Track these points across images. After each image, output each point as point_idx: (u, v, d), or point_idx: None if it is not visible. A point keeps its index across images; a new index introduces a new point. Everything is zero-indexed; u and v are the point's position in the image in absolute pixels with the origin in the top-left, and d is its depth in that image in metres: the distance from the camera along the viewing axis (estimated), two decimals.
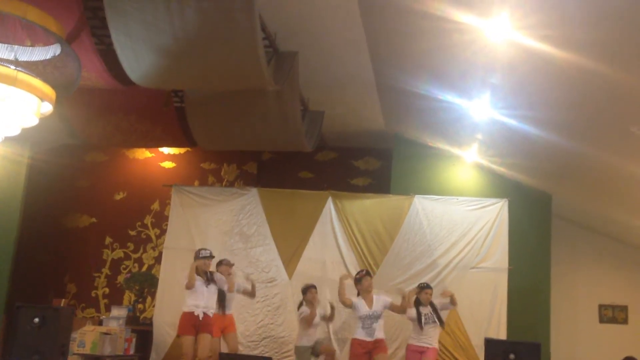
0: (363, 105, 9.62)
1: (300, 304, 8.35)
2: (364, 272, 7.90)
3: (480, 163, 10.21)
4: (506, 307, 9.07)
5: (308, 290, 8.28)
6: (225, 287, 8.15)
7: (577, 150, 8.05)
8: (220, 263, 8.50)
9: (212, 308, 7.89)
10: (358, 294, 7.77)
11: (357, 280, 7.76)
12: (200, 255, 7.90)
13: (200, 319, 7.68)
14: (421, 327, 7.83)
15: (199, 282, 7.78)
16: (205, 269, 7.90)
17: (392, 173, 10.59)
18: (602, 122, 7.05)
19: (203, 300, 7.75)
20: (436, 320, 7.91)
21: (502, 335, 8.85)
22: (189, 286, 7.71)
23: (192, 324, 7.69)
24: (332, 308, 8.29)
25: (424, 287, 8.11)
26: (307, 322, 8.09)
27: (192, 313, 7.70)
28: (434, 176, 10.41)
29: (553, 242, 10.05)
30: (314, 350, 8.16)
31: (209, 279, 7.88)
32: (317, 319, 8.18)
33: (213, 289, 7.90)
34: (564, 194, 10.21)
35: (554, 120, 7.48)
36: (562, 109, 7.08)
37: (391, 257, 9.46)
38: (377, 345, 7.46)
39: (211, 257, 8.01)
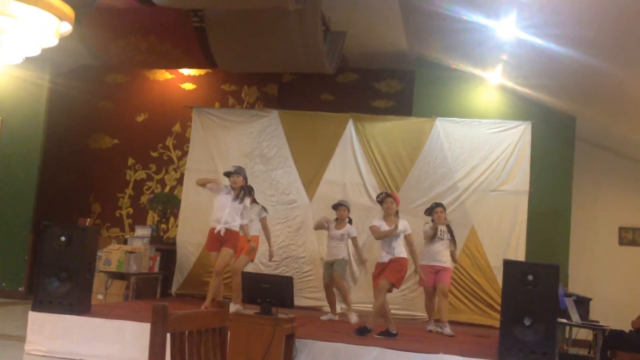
0: (386, 25, 9.41)
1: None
2: (384, 194, 7.76)
3: (504, 85, 10.04)
4: (525, 229, 9.11)
5: (339, 206, 8.34)
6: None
7: (605, 71, 7.87)
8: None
9: (235, 224, 7.67)
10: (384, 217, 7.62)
11: (380, 203, 7.68)
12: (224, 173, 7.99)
13: (222, 234, 7.55)
14: (433, 242, 7.91)
15: (226, 195, 7.70)
16: (234, 185, 7.70)
17: (414, 95, 10.45)
18: (633, 42, 6.86)
19: (224, 215, 7.60)
20: (450, 238, 7.98)
21: (520, 257, 8.91)
22: (213, 188, 7.81)
23: (215, 239, 7.63)
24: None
25: (433, 207, 8.12)
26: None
27: (213, 229, 7.65)
28: (456, 98, 10.28)
29: (575, 164, 9.98)
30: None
31: (239, 196, 7.68)
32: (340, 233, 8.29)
33: (239, 206, 7.68)
34: (589, 116, 10.05)
35: (582, 39, 7.28)
36: (591, 27, 6.88)
37: (412, 179, 9.47)
38: (387, 267, 7.14)
39: (232, 172, 7.79)
